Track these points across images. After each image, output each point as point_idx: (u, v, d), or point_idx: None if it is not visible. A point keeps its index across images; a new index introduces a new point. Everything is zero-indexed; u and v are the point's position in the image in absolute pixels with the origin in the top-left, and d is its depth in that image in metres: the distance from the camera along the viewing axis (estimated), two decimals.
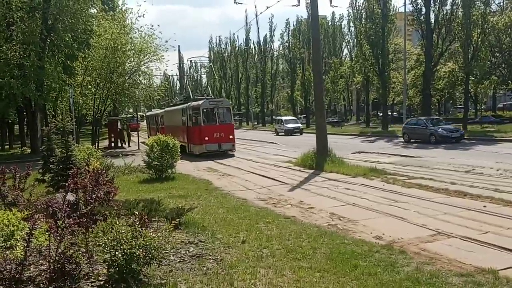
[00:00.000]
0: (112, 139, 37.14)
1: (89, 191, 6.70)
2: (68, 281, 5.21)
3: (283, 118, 50.44)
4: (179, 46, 57.74)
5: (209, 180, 15.49)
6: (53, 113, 38.37)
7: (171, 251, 6.61)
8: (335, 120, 62.26)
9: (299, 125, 49.21)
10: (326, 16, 74.15)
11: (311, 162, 17.72)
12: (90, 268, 5.68)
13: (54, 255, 5.21)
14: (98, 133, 35.62)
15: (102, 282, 5.42)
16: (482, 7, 35.78)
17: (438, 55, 37.97)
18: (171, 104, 38.60)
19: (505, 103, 59.01)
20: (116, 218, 5.91)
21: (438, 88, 45.96)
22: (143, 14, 40.79)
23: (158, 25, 53.38)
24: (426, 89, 39.36)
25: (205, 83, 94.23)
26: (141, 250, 5.21)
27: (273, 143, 35.77)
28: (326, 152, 18.38)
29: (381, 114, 53.48)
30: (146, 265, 5.41)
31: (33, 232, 5.19)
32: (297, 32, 66.81)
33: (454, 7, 36.60)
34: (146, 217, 5.75)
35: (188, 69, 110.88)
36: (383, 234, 7.76)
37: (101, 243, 5.62)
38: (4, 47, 26.35)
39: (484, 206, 9.47)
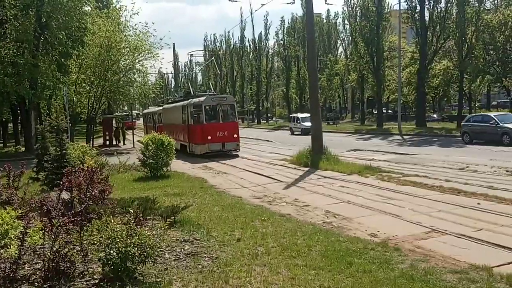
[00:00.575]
0: (107, 138, 37.06)
1: (83, 190, 6.68)
2: (63, 280, 5.21)
3: (300, 115, 44.75)
4: (174, 44, 57.72)
5: (204, 178, 15.48)
6: (47, 111, 38.18)
7: (166, 249, 6.61)
8: (332, 116, 62.15)
9: None
10: (321, 14, 74.27)
11: (306, 160, 17.74)
12: (85, 267, 5.67)
13: (48, 253, 5.20)
14: (92, 132, 35.48)
15: (97, 281, 5.41)
16: (476, 4, 36.00)
17: (433, 52, 38.16)
18: (170, 101, 37.32)
19: (499, 101, 59.24)
20: (111, 217, 5.89)
21: (432, 86, 46.13)
22: (138, 12, 40.54)
23: (153, 23, 54.30)
24: (420, 86, 39.58)
25: (200, 81, 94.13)
26: (136, 248, 5.20)
27: (268, 141, 35.80)
28: (321, 150, 18.41)
29: (376, 112, 53.64)
30: (141, 263, 5.40)
31: (27, 230, 5.18)
32: (292, 30, 66.83)
33: (449, 5, 36.83)
34: (141, 215, 5.75)
35: (183, 67, 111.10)
36: (378, 231, 7.78)
37: (95, 242, 5.62)
38: None
39: (478, 204, 9.51)
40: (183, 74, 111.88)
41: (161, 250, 6.24)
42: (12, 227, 6.41)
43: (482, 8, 37.11)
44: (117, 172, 17.09)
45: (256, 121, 76.65)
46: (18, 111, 34.36)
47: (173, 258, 6.32)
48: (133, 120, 51.96)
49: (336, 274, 5.65)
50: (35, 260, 5.87)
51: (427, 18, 37.86)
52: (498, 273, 5.51)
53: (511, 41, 38.46)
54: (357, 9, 45.57)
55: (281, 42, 66.57)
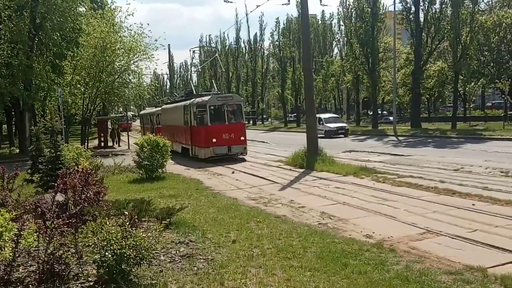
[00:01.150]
0: (102, 139, 36.97)
1: (78, 191, 6.65)
2: (58, 282, 5.18)
3: (322, 116, 39.78)
4: (169, 45, 57.66)
5: (199, 180, 15.45)
6: (42, 112, 38.09)
7: (162, 251, 6.59)
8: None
9: (344, 124, 40.01)
10: (316, 15, 74.48)
11: (301, 161, 17.75)
12: (80, 269, 5.65)
13: (43, 256, 5.17)
14: (87, 133, 35.36)
15: (91, 283, 5.39)
16: (471, 6, 36.21)
17: (427, 54, 38.31)
18: (169, 101, 35.58)
19: (493, 102, 59.54)
20: (106, 218, 5.88)
21: (427, 87, 46.36)
22: (133, 13, 40.50)
23: (148, 24, 54.17)
24: (415, 87, 39.70)
25: (195, 82, 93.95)
26: (131, 250, 5.19)
27: (263, 142, 35.79)
28: (317, 151, 18.43)
29: (371, 113, 53.77)
30: (136, 266, 5.38)
31: (21, 233, 5.15)
32: (287, 31, 66.82)
33: (443, 6, 36.99)
34: (136, 217, 5.73)
35: (178, 68, 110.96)
36: (373, 232, 7.79)
37: (90, 244, 5.60)
38: None
39: (473, 204, 9.54)
40: (178, 75, 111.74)
41: (156, 252, 6.21)
42: (6, 229, 6.36)
43: (476, 9, 37.34)
44: (112, 173, 17.05)
45: (251, 122, 76.63)
46: (12, 113, 34.19)
47: (168, 260, 6.31)
48: (129, 122, 51.77)
49: (331, 275, 5.66)
50: (29, 262, 5.84)
51: (422, 19, 38.01)
52: (493, 274, 5.53)
53: (505, 42, 38.76)
54: (352, 10, 45.66)
55: (277, 43, 66.52)
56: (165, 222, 7.71)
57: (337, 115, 44.68)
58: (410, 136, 34.53)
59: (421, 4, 37.54)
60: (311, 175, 15.44)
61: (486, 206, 9.35)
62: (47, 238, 5.22)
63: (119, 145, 37.57)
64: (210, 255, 6.56)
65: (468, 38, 35.84)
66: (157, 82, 60.94)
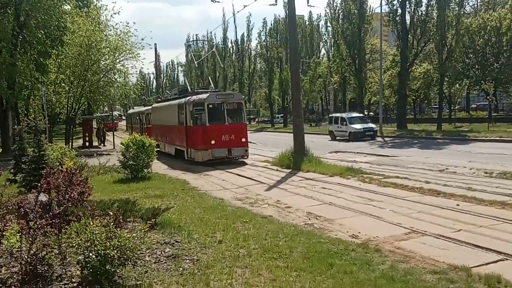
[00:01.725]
0: (87, 139, 36.61)
1: (62, 192, 6.55)
2: (41, 283, 5.12)
3: (345, 115, 35.22)
4: (155, 44, 57.35)
5: (185, 180, 15.38)
6: (25, 111, 37.61)
7: (147, 251, 6.55)
8: (314, 118, 62.11)
9: (372, 125, 34.35)
10: (303, 15, 74.50)
11: (288, 161, 17.78)
12: (63, 270, 5.58)
13: (26, 256, 5.10)
14: (72, 132, 34.97)
15: (75, 284, 5.33)
16: (457, 8, 36.61)
17: (413, 55, 38.66)
18: (160, 99, 33.72)
19: (478, 104, 60.29)
20: (90, 219, 5.81)
21: (413, 89, 46.84)
22: (119, 11, 40.09)
23: (134, 23, 53.49)
24: (401, 89, 40.03)
25: (182, 82, 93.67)
26: (115, 251, 5.14)
27: (250, 142, 35.70)
28: (304, 152, 18.48)
29: None
30: (120, 266, 5.33)
31: (4, 233, 5.08)
32: (275, 32, 66.92)
33: (429, 8, 37.36)
34: (121, 217, 5.67)
35: (165, 67, 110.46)
36: (359, 232, 7.83)
37: (74, 244, 5.53)
38: None
39: (457, 205, 9.64)
40: (165, 75, 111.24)
41: (141, 253, 6.16)
42: None
43: (462, 12, 37.81)
44: (97, 173, 16.86)
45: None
46: None
47: (154, 261, 6.26)
48: (115, 121, 51.31)
49: (317, 275, 5.67)
50: (12, 263, 5.76)
51: (408, 21, 38.33)
52: (477, 274, 5.59)
53: (490, 44, 39.31)
54: (340, 11, 45.91)
55: (264, 43, 66.60)
56: (151, 222, 7.65)
57: (362, 114, 38.67)
58: (396, 137, 34.80)
59: (408, 6, 37.87)
60: (297, 176, 15.47)
61: (470, 206, 9.46)
62: (30, 239, 5.14)
63: (104, 145, 37.24)
64: (195, 255, 6.53)
65: (453, 40, 36.25)
66: (143, 81, 60.63)
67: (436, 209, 9.39)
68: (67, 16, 29.63)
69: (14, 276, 5.24)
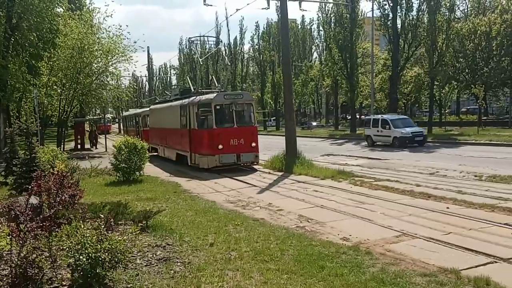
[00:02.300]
0: (79, 141, 36.45)
1: (53, 194, 6.53)
2: (31, 286, 5.08)
3: (388, 117, 30.01)
4: (148, 47, 57.35)
5: (177, 183, 15.37)
6: (17, 114, 37.30)
7: (138, 254, 6.54)
8: (306, 121, 62.05)
9: (419, 128, 29.71)
10: (296, 19, 74.86)
11: (280, 164, 17.83)
12: (54, 273, 5.55)
13: (16, 259, 5.07)
14: (64, 135, 34.80)
15: (66, 287, 5.30)
16: (447, 13, 36.94)
17: (405, 59, 38.90)
18: (158, 100, 32.22)
19: (468, 107, 60.79)
20: (81, 222, 5.80)
21: (404, 92, 47.11)
22: (111, 14, 39.93)
23: (127, 26, 53.36)
24: (392, 92, 40.26)
25: (174, 85, 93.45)
26: (106, 254, 5.12)
27: None
28: (296, 155, 18.53)
29: (349, 117, 54.30)
30: (111, 269, 5.32)
31: None
32: (267, 35, 67.07)
33: (420, 13, 37.64)
34: (112, 220, 5.66)
35: (157, 70, 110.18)
36: (350, 235, 7.87)
37: (65, 247, 5.50)
38: None
39: (448, 208, 9.73)
40: (157, 78, 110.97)
41: (132, 256, 6.15)
42: None
43: (452, 17, 38.14)
44: (88, 176, 16.82)
45: None
46: None
47: (145, 264, 6.26)
48: (108, 124, 51.07)
49: (308, 278, 5.69)
50: (1, 266, 5.71)
51: (399, 26, 38.58)
52: (466, 276, 5.64)
53: (480, 49, 39.62)
54: (332, 15, 46.13)
55: (256, 47, 66.72)
56: (142, 225, 7.64)
57: (405, 116, 34.29)
58: None
59: (399, 11, 38.12)
60: (289, 179, 15.51)
61: (460, 209, 9.54)
62: (20, 242, 5.12)
63: (96, 148, 37.10)
64: (187, 258, 6.53)
65: (444, 44, 36.56)
66: (135, 84, 60.50)
67: (426, 212, 9.46)
68: (60, 18, 29.50)
69: (4, 279, 5.20)
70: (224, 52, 77.12)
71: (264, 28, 66.66)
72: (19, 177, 12.61)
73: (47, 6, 27.52)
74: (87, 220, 6.28)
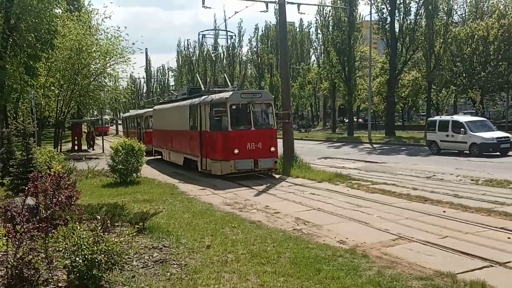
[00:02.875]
0: (76, 142, 36.38)
1: (49, 195, 6.52)
2: (27, 287, 5.07)
3: (463, 119, 25.67)
4: (146, 49, 57.31)
5: (174, 185, 15.35)
6: (14, 114, 37.20)
7: (134, 256, 6.52)
8: (304, 124, 62.05)
9: (505, 133, 24.64)
10: (294, 22, 74.92)
11: (277, 167, 17.81)
12: (50, 274, 5.53)
13: (12, 260, 5.06)
14: (61, 136, 34.72)
15: None
16: (445, 17, 37.13)
17: (402, 63, 39.06)
18: (162, 100, 30.36)
19: (465, 112, 60.95)
20: (78, 223, 5.78)
21: (402, 96, 47.23)
22: (110, 16, 40.10)
23: (125, 27, 53.01)
24: (390, 96, 40.42)
25: (172, 87, 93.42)
26: (102, 255, 5.11)
27: None
28: (293, 157, 18.54)
29: (347, 120, 54.38)
30: (107, 271, 5.31)
31: None
32: (266, 38, 67.24)
33: (418, 17, 37.83)
34: (108, 221, 5.66)
35: (155, 72, 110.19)
36: (347, 238, 7.87)
37: (61, 249, 5.49)
38: None
39: (444, 211, 9.75)
40: (155, 79, 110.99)
41: (128, 257, 6.15)
42: None
43: (450, 21, 38.33)
44: (85, 177, 16.77)
45: None
46: None
47: (141, 266, 6.24)
48: (106, 125, 50.90)
49: (304, 281, 5.69)
50: None
51: (397, 30, 38.73)
52: (462, 280, 5.66)
53: (477, 53, 39.76)
54: (330, 19, 46.24)
55: (255, 49, 66.86)
56: (139, 227, 7.63)
57: (483, 118, 28.84)
58: (384, 143, 35.04)
59: (397, 15, 38.29)
60: (286, 181, 15.52)
61: (456, 213, 9.56)
62: (17, 243, 5.11)
63: (93, 149, 37.05)
64: (183, 260, 6.52)
65: (441, 49, 36.70)
66: (133, 85, 60.44)
67: (423, 215, 9.48)
68: (58, 19, 29.42)
69: (0, 280, 5.20)
70: (222, 55, 77.27)
71: (262, 31, 66.91)
72: (16, 178, 12.56)
73: (45, 7, 27.45)
74: (84, 222, 6.28)
